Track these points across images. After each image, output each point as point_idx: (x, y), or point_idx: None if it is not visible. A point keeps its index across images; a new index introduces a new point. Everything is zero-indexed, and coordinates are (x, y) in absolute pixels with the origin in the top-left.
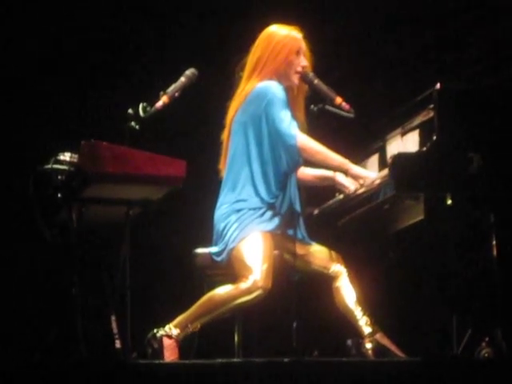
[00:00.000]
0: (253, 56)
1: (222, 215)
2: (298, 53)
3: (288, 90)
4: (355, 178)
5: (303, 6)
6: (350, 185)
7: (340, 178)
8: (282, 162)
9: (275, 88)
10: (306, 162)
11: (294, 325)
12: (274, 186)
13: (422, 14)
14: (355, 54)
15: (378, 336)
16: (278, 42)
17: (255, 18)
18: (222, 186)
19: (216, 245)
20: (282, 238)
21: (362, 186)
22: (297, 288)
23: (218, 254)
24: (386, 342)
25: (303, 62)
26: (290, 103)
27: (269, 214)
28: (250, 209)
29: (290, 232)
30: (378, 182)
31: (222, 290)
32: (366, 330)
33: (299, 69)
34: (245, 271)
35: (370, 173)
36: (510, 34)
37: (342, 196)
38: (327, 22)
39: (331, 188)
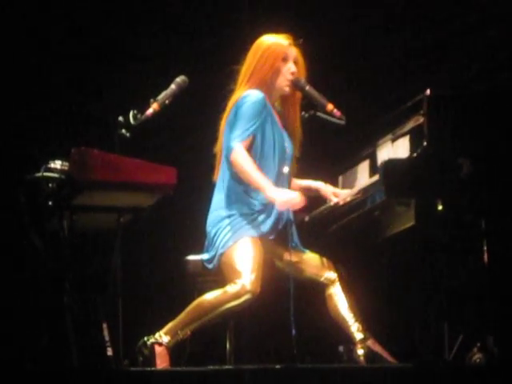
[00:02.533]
0: (243, 67)
1: (213, 222)
2: (284, 59)
3: (283, 99)
4: (274, 200)
5: (295, 15)
6: (333, 198)
7: (326, 188)
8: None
9: (250, 97)
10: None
11: (293, 332)
12: (257, 193)
13: (412, 21)
14: (346, 60)
15: (370, 342)
16: (264, 50)
17: (248, 26)
18: (213, 194)
19: (207, 251)
20: (274, 244)
21: (342, 199)
22: (291, 295)
23: (209, 260)
24: (377, 348)
25: (292, 68)
26: (285, 113)
27: (259, 219)
28: (239, 214)
29: (283, 239)
30: (368, 187)
31: (211, 296)
32: (358, 336)
33: (289, 76)
34: (233, 276)
35: (296, 193)
36: (500, 40)
37: (331, 203)
38: (318, 30)
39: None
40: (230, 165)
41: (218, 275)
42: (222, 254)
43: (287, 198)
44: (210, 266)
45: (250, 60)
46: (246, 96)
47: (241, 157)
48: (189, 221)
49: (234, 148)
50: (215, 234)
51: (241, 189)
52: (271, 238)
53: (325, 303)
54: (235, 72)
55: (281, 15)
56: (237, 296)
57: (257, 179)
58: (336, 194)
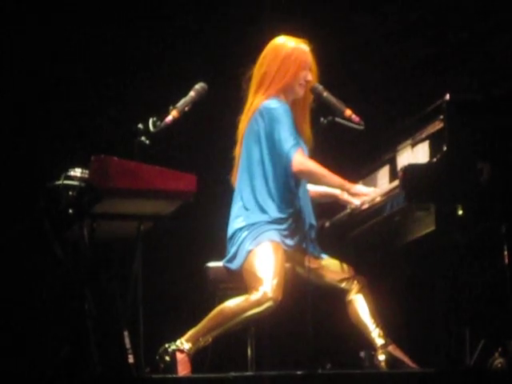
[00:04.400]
0: (260, 69)
1: (234, 229)
2: (305, 67)
3: (294, 103)
4: (356, 196)
5: (310, 19)
6: (355, 200)
7: (344, 194)
8: (283, 179)
9: (281, 109)
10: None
11: (310, 337)
12: (279, 201)
13: (431, 25)
14: (365, 65)
15: (391, 348)
16: (287, 56)
17: (264, 30)
18: (233, 201)
19: (229, 254)
20: (294, 251)
21: (365, 202)
22: (310, 301)
23: (231, 259)
24: (398, 353)
25: (309, 76)
26: (296, 117)
27: (281, 228)
28: (261, 221)
29: (303, 246)
30: (388, 193)
31: (232, 303)
32: (379, 341)
33: (303, 82)
34: (255, 283)
35: (371, 189)
36: None
37: (350, 209)
38: (335, 35)
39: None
40: (299, 175)
41: (240, 282)
42: (248, 252)
43: (367, 191)
44: (232, 266)
45: (268, 64)
46: (273, 108)
47: (309, 165)
48: (209, 227)
49: (295, 158)
50: (237, 240)
51: (264, 199)
52: (293, 248)
53: (345, 309)
54: (250, 74)
55: (297, 20)
56: (259, 303)
57: (334, 179)
58: (360, 195)
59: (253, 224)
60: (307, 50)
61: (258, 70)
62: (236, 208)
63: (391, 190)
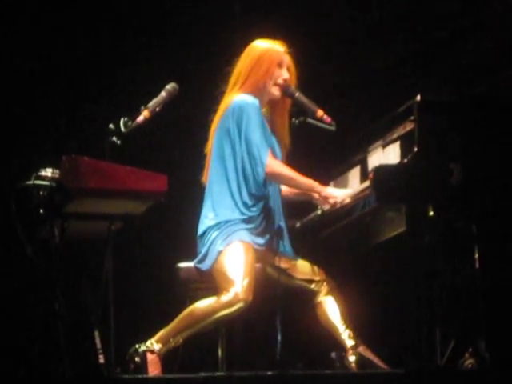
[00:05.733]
0: (235, 69)
1: (205, 228)
2: (279, 65)
3: (269, 103)
4: (327, 198)
5: (286, 21)
6: (328, 201)
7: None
8: (253, 177)
9: (251, 106)
10: None
11: (279, 338)
12: (249, 199)
13: (403, 27)
14: (336, 67)
15: (361, 349)
16: (260, 55)
17: (238, 31)
18: (204, 199)
19: (200, 254)
20: (265, 251)
21: (335, 204)
22: (281, 301)
23: (202, 260)
24: (369, 354)
25: (285, 74)
26: (271, 117)
27: (251, 227)
28: (230, 220)
29: (274, 246)
30: (359, 194)
31: (203, 304)
32: (349, 343)
33: (279, 81)
34: (226, 284)
35: (342, 191)
36: (492, 45)
37: (321, 210)
38: (308, 36)
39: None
40: (270, 177)
41: (211, 282)
42: (217, 253)
43: (338, 194)
44: (203, 267)
45: (244, 64)
46: (243, 104)
47: (278, 167)
48: (180, 227)
49: (268, 162)
50: (207, 239)
51: (234, 197)
52: (263, 247)
53: (314, 310)
54: (227, 75)
55: (273, 21)
56: (230, 304)
57: (304, 181)
58: (331, 197)
59: (223, 222)
60: (281, 49)
61: (234, 70)
62: (206, 206)
63: (362, 191)
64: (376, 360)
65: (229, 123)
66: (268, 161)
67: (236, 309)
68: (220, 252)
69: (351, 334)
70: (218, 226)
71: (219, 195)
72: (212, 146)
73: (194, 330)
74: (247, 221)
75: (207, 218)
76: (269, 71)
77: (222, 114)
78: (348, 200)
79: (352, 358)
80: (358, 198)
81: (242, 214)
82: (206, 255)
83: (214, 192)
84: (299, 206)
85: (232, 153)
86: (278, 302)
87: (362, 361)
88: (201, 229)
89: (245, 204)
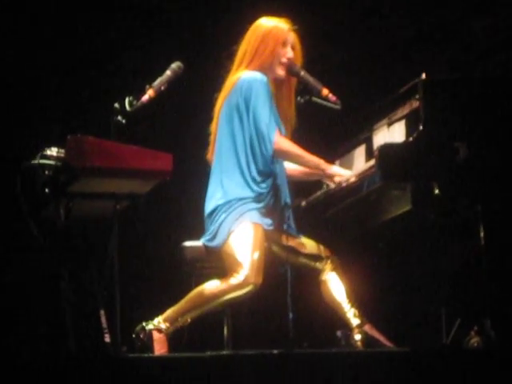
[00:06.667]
0: (241, 48)
1: (214, 206)
2: (283, 44)
3: (275, 82)
4: (332, 176)
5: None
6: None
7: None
8: (261, 154)
9: (259, 82)
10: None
11: (290, 316)
12: (258, 175)
13: (410, 4)
14: (341, 45)
15: (367, 327)
16: (265, 34)
17: (244, 10)
18: (210, 177)
19: (208, 232)
20: (272, 230)
21: (340, 183)
22: (288, 280)
23: (211, 238)
24: (374, 332)
25: (289, 53)
26: (276, 96)
27: (261, 206)
28: (240, 198)
29: (281, 224)
30: (364, 172)
31: (213, 285)
32: (355, 321)
33: (284, 60)
34: (236, 266)
35: (347, 171)
36: (497, 26)
37: (327, 188)
38: (313, 14)
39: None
40: (277, 155)
41: (217, 261)
42: (227, 233)
43: (344, 172)
44: (212, 244)
45: (249, 43)
46: (252, 80)
47: (286, 144)
48: (185, 207)
49: (275, 139)
50: (218, 217)
51: (244, 173)
52: (271, 227)
53: (319, 289)
54: (232, 54)
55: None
56: (240, 287)
57: (310, 159)
58: (336, 175)
59: (234, 200)
60: (286, 28)
61: (239, 51)
62: (214, 183)
63: (367, 170)
64: (382, 338)
65: (237, 99)
66: (276, 138)
67: (246, 292)
68: (230, 232)
69: (356, 313)
70: (228, 204)
71: (228, 171)
72: (217, 124)
73: (202, 310)
74: (257, 199)
75: (216, 196)
76: (274, 51)
77: (228, 92)
78: (353, 178)
79: (358, 337)
80: (363, 177)
81: (253, 190)
82: (216, 233)
83: (222, 168)
84: (305, 185)
85: (241, 129)
86: (288, 280)
87: (367, 339)
88: (209, 207)
89: (254, 180)
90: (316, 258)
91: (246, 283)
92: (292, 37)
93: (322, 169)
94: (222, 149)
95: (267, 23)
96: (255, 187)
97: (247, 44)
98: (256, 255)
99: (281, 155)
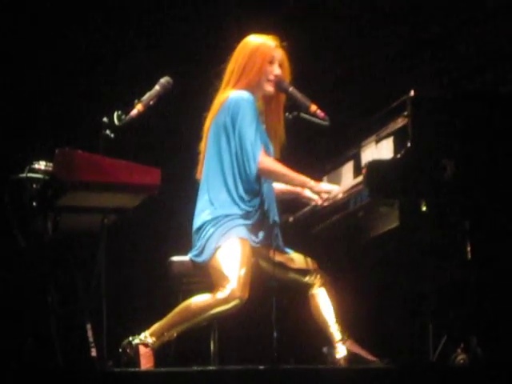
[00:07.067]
0: (229, 67)
1: (202, 222)
2: (271, 61)
3: (263, 99)
4: (319, 193)
5: (280, 16)
6: (317, 198)
7: (306, 192)
8: (248, 172)
9: (246, 101)
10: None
11: (275, 334)
12: (245, 194)
13: (398, 21)
14: (330, 61)
15: (348, 343)
16: (252, 51)
17: (232, 27)
18: (198, 195)
19: (195, 247)
20: (260, 246)
21: (327, 199)
22: (275, 295)
23: (198, 253)
24: (356, 348)
25: (276, 70)
26: (266, 112)
27: (248, 223)
28: (227, 215)
29: (269, 241)
30: (352, 188)
31: (199, 299)
32: (337, 336)
33: (271, 77)
34: (222, 280)
35: (334, 186)
36: (482, 45)
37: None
38: (302, 31)
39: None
40: (262, 174)
41: (204, 276)
42: (214, 249)
43: (331, 189)
44: (199, 260)
45: (237, 61)
46: (239, 99)
47: (271, 164)
48: (173, 222)
49: (260, 159)
50: (205, 233)
51: (231, 192)
52: (258, 244)
53: (307, 303)
54: (221, 72)
55: (266, 15)
56: (226, 301)
57: (296, 177)
58: (323, 192)
59: (222, 216)
60: (273, 45)
61: (228, 68)
62: (203, 201)
63: (355, 186)
64: (363, 353)
65: (225, 118)
66: (260, 157)
67: (232, 306)
68: (217, 248)
69: (339, 328)
70: (216, 220)
71: (215, 190)
72: (206, 143)
73: (189, 324)
74: (245, 216)
75: (204, 212)
76: (261, 68)
77: (216, 111)
78: (341, 195)
79: (339, 355)
80: (350, 193)
81: (240, 208)
82: (202, 249)
83: (210, 187)
84: (293, 201)
85: (228, 148)
86: (273, 296)
87: (349, 356)
88: (197, 223)
89: (241, 199)
90: (305, 272)
91: (232, 297)
92: (279, 53)
93: (309, 186)
94: (210, 168)
95: (254, 41)
96: (242, 205)
97: (235, 62)
98: (242, 270)
99: (265, 174)
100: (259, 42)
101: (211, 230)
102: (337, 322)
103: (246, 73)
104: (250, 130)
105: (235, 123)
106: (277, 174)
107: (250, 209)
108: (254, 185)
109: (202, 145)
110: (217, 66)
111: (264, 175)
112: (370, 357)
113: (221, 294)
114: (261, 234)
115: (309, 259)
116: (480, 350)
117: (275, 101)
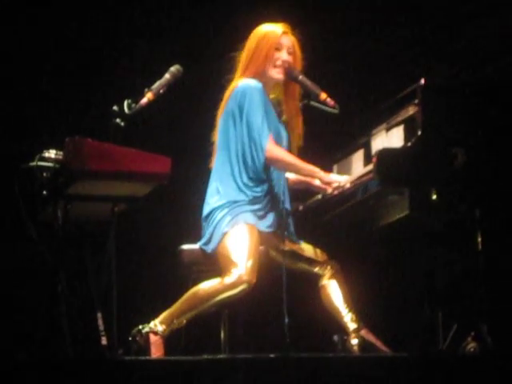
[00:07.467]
0: (241, 56)
1: (210, 209)
2: (277, 48)
3: (280, 89)
4: (328, 184)
5: (292, 3)
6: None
7: (316, 181)
8: (257, 159)
9: (253, 89)
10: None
11: (286, 321)
12: (249, 181)
13: (409, 9)
14: (341, 49)
15: (364, 332)
16: (259, 39)
17: (242, 15)
18: (209, 182)
19: (204, 236)
20: (269, 234)
21: (337, 188)
22: (283, 285)
23: (207, 241)
24: (371, 337)
25: (283, 56)
26: (285, 105)
27: (256, 208)
28: (235, 201)
29: (279, 229)
30: (362, 177)
31: (207, 285)
32: (352, 326)
33: (279, 63)
34: (229, 266)
35: (343, 176)
36: (494, 31)
37: (322, 195)
38: (313, 18)
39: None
40: (269, 163)
41: (214, 264)
42: (221, 235)
43: (341, 179)
44: (208, 249)
45: (247, 49)
46: (246, 87)
47: (278, 153)
48: (183, 210)
49: (268, 147)
50: (213, 220)
51: (236, 179)
52: (268, 230)
53: (318, 294)
54: (232, 60)
55: (278, 3)
56: (233, 286)
57: (305, 167)
58: (332, 182)
59: (229, 202)
60: (280, 31)
61: (240, 57)
62: (211, 188)
63: (365, 174)
64: (378, 343)
65: (233, 107)
66: (268, 145)
67: (239, 291)
68: (225, 233)
69: (354, 318)
70: (223, 206)
71: (223, 178)
72: (218, 133)
73: (198, 311)
74: (252, 202)
75: (212, 200)
76: (268, 55)
77: (226, 100)
78: (351, 183)
79: (354, 342)
80: (361, 182)
81: (247, 195)
82: (211, 236)
83: (218, 175)
84: (303, 190)
85: (235, 136)
86: (284, 284)
87: (364, 344)
88: (206, 210)
89: (246, 185)
90: (316, 263)
91: (239, 282)
92: (288, 40)
93: (318, 177)
94: (219, 156)
95: (262, 29)
96: (249, 192)
97: (246, 51)
98: (250, 255)
99: (273, 163)
100: (266, 30)
101: (219, 217)
102: (350, 311)
103: (253, 60)
104: (257, 118)
105: (242, 111)
106: (284, 163)
107: (257, 194)
108: (259, 174)
109: (215, 134)
110: (227, 54)
111: (271, 164)
112: (384, 348)
113: (228, 279)
114: (270, 220)
115: (318, 250)
116: (490, 339)
117: (291, 90)
